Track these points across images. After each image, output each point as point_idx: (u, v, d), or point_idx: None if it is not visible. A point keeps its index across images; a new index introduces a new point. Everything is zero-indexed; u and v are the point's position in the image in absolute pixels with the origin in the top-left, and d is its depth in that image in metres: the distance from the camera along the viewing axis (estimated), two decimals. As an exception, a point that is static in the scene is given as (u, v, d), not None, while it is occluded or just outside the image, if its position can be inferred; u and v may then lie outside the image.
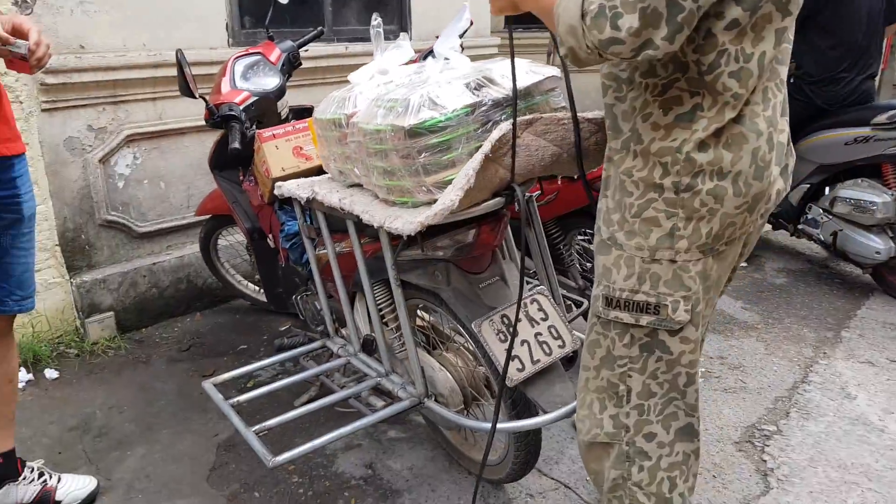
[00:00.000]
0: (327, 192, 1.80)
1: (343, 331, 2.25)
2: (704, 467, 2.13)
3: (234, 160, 2.51)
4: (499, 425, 1.57)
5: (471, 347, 1.94)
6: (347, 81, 1.89)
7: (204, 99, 2.33)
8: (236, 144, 2.22)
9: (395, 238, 1.67)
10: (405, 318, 1.74)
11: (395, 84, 1.70)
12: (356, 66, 3.52)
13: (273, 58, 2.56)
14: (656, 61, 1.17)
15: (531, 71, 1.60)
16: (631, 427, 1.36)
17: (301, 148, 2.23)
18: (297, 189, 1.93)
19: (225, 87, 2.41)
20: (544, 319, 1.72)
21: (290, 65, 2.63)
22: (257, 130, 2.24)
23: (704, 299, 1.26)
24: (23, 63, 1.57)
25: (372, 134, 1.54)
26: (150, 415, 2.52)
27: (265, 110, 2.47)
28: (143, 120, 3.05)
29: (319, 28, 2.77)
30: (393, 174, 1.54)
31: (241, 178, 2.67)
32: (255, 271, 3.22)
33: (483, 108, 1.49)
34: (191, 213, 3.30)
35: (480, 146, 1.46)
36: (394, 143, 1.48)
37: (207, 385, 2.03)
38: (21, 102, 2.68)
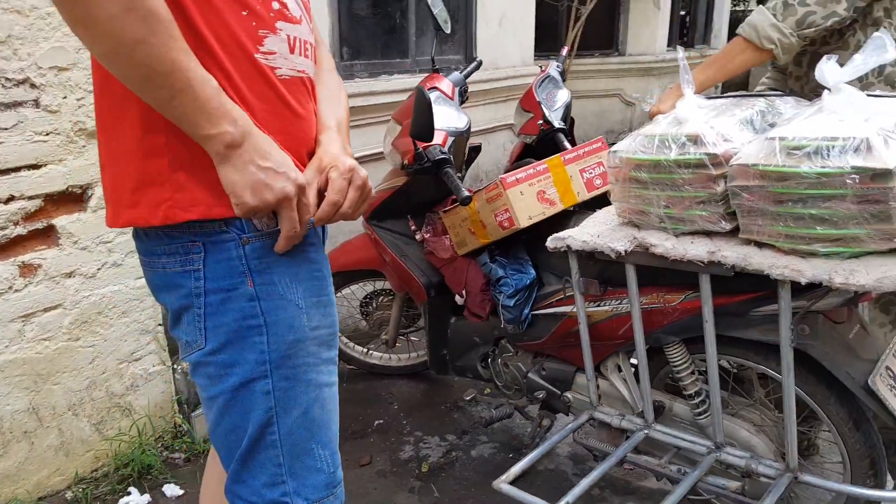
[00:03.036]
0: (675, 243, 1.56)
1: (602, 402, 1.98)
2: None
3: (420, 205, 2.22)
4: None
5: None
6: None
7: (415, 142, 2.00)
8: (467, 193, 1.93)
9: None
10: (791, 384, 1.52)
11: (776, 119, 1.53)
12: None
13: (448, 92, 2.27)
14: None
15: None
16: None
17: (544, 192, 1.97)
18: (602, 240, 1.66)
19: (423, 126, 2.09)
20: (924, 370, 1.59)
21: (461, 99, 2.35)
22: (501, 176, 1.95)
23: None
24: None
25: (800, 178, 1.35)
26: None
27: (455, 151, 2.18)
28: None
29: (478, 59, 2.51)
30: (834, 223, 1.35)
31: (413, 228, 2.35)
32: (373, 329, 2.86)
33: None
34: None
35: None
36: (854, 187, 1.30)
37: (507, 487, 1.68)
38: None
